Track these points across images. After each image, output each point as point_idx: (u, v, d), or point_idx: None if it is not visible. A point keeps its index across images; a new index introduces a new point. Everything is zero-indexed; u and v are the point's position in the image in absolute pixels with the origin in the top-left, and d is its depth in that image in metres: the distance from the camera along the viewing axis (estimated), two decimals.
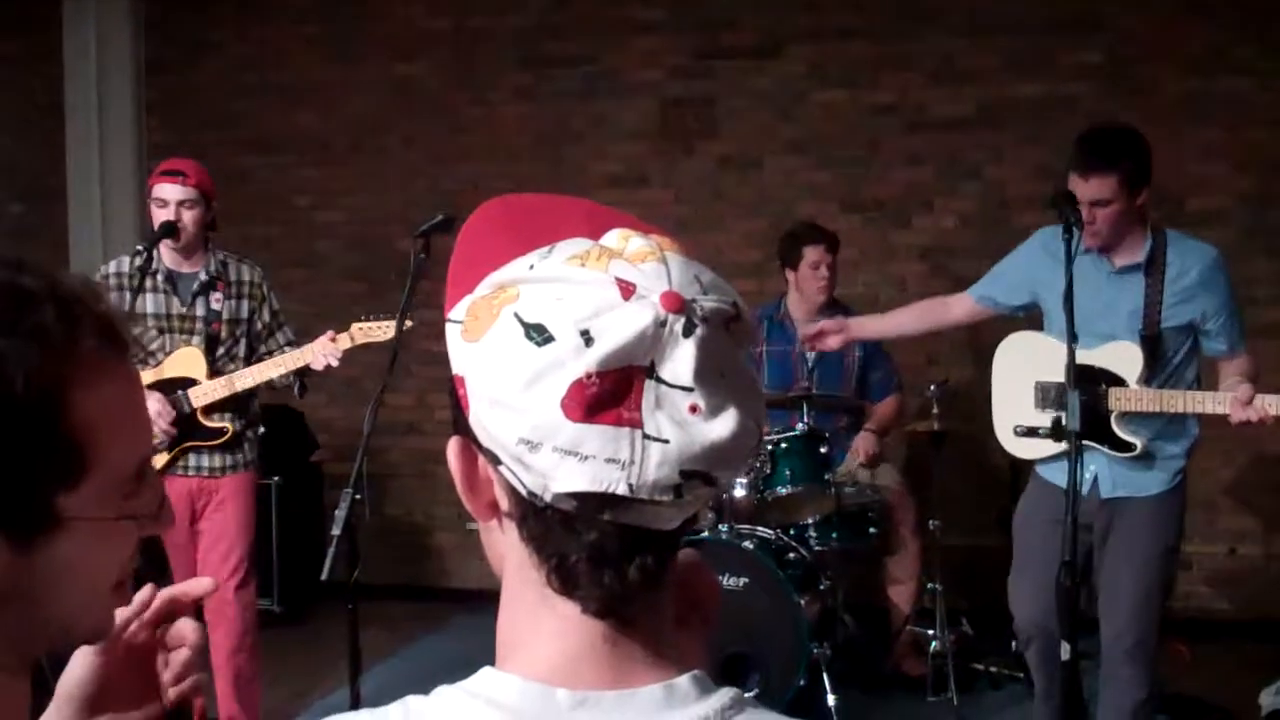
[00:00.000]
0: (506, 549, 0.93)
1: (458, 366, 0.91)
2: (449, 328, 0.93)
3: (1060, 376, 3.77)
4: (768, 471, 5.07)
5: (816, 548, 5.16)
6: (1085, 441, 3.78)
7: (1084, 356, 3.76)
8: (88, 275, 1.05)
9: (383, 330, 4.40)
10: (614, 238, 0.91)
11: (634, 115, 6.91)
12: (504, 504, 0.92)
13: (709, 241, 6.80)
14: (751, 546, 4.80)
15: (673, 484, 0.84)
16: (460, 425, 0.92)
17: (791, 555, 5.02)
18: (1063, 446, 3.79)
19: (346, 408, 6.84)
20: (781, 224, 6.30)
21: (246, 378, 4.49)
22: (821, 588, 5.01)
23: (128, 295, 4.41)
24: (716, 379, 0.86)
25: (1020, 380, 3.97)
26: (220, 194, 4.63)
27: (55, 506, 0.95)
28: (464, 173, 6.99)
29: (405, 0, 7.12)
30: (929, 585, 5.33)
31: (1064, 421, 3.64)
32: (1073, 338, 3.46)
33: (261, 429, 4.83)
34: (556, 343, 0.84)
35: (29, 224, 7.38)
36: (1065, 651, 3.18)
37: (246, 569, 4.64)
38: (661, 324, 0.84)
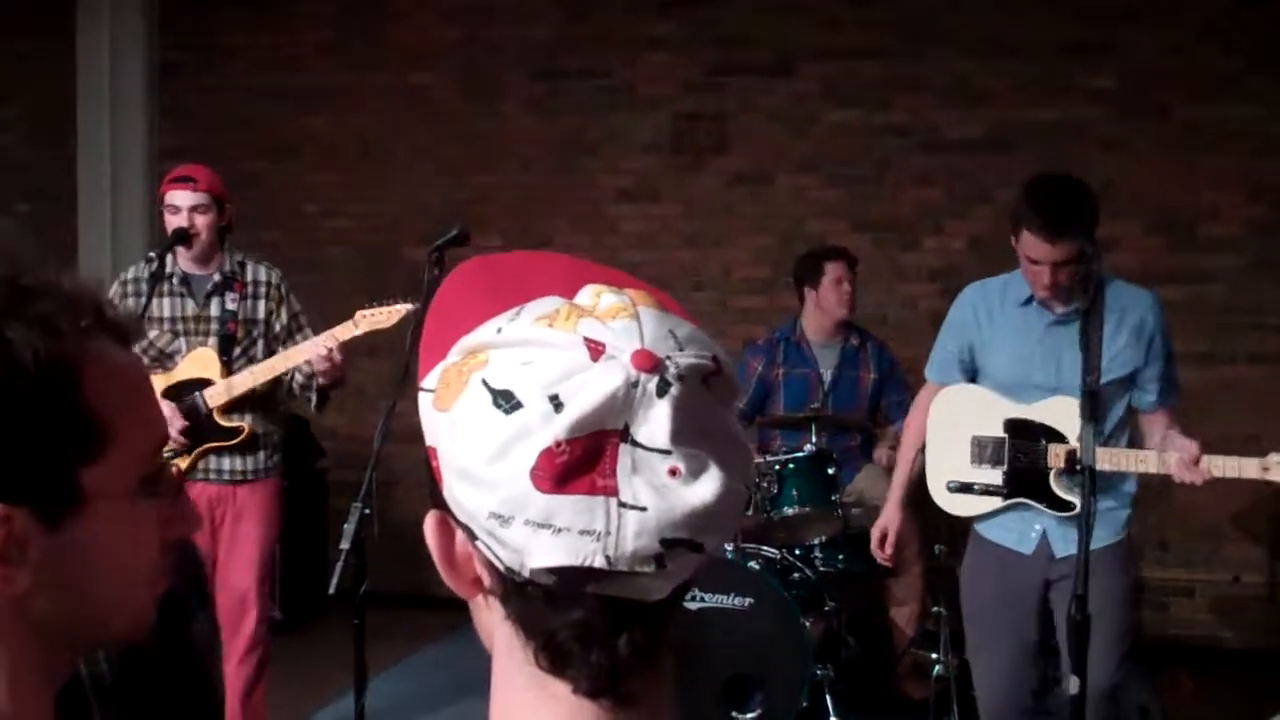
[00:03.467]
0: (494, 626, 0.89)
1: (430, 437, 0.87)
2: (421, 396, 0.88)
3: (998, 431, 3.72)
4: (775, 491, 5.05)
5: (822, 569, 5.14)
6: (1025, 500, 3.71)
7: (1023, 411, 3.69)
8: (82, 272, 1.08)
9: (387, 315, 4.36)
10: (586, 294, 0.86)
11: (646, 130, 6.91)
12: (486, 580, 0.86)
13: (718, 257, 6.80)
14: (757, 567, 4.78)
15: (653, 554, 0.79)
16: (436, 499, 0.88)
17: (796, 576, 5.00)
18: (1002, 503, 3.73)
19: (351, 415, 6.82)
20: (791, 241, 6.28)
21: (259, 374, 4.42)
22: (826, 609, 4.99)
23: (143, 300, 4.40)
24: (697, 439, 0.80)
25: (957, 434, 3.82)
26: (230, 199, 4.62)
27: (79, 482, 0.98)
28: (474, 183, 7.00)
29: (419, 9, 7.13)
30: (933, 609, 5.29)
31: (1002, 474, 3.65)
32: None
33: (280, 434, 4.76)
34: (524, 409, 0.79)
35: (37, 225, 7.37)
36: (1074, 685, 3.09)
37: (261, 579, 4.60)
38: (633, 384, 0.79)
